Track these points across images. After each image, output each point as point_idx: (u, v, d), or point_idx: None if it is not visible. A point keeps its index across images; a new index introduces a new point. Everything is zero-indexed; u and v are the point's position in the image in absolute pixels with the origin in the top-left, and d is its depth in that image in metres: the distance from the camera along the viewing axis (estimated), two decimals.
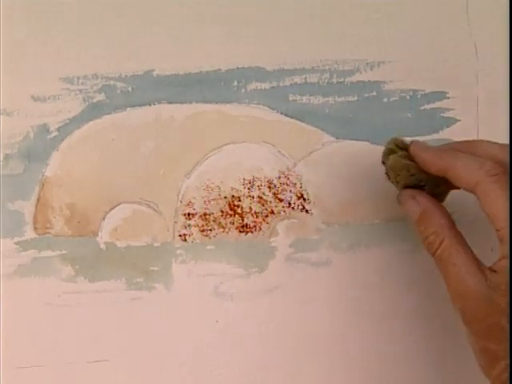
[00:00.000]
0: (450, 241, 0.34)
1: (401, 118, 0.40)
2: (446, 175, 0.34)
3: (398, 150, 0.37)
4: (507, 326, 0.31)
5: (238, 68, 0.39)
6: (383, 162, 0.37)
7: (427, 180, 0.36)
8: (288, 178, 0.39)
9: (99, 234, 0.38)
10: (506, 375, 0.31)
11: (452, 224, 0.35)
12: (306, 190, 0.39)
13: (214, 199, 0.39)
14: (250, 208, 0.39)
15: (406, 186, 0.36)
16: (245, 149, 0.39)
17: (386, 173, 0.37)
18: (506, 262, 0.31)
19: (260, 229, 0.39)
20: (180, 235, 0.39)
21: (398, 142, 0.37)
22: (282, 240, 0.39)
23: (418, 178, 0.36)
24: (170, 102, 0.39)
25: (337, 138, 0.40)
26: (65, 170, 0.38)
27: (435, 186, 0.36)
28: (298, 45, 0.40)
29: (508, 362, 0.31)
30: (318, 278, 0.40)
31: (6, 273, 0.38)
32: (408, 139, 0.37)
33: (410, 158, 0.36)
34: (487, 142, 0.36)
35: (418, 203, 0.36)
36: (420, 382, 0.41)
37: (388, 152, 0.37)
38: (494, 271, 0.32)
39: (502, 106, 0.41)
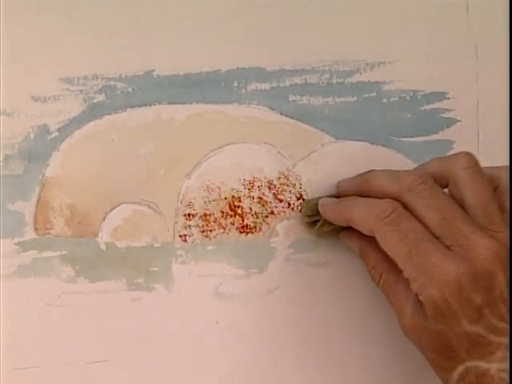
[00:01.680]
0: (387, 273, 0.35)
1: (400, 119, 0.40)
2: (351, 226, 0.35)
3: (314, 218, 0.38)
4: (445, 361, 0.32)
5: (238, 68, 0.39)
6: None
7: None
8: (288, 179, 0.39)
9: (99, 234, 0.38)
10: None
11: (389, 257, 0.35)
12: (305, 191, 0.40)
13: (214, 200, 0.39)
14: (250, 208, 0.39)
15: None
16: (245, 149, 0.39)
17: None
18: (422, 299, 0.32)
19: (260, 229, 0.39)
20: (180, 236, 0.39)
21: (310, 210, 0.38)
22: (282, 240, 0.39)
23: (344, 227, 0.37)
24: (170, 103, 0.39)
25: (336, 139, 0.40)
26: (65, 171, 0.38)
27: None
28: (298, 45, 0.40)
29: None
30: (318, 278, 0.40)
31: (6, 273, 0.38)
32: (315, 198, 0.38)
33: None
34: (377, 173, 0.36)
35: (354, 242, 0.37)
36: (420, 381, 0.41)
37: (308, 226, 0.39)
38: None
39: (501, 106, 0.41)
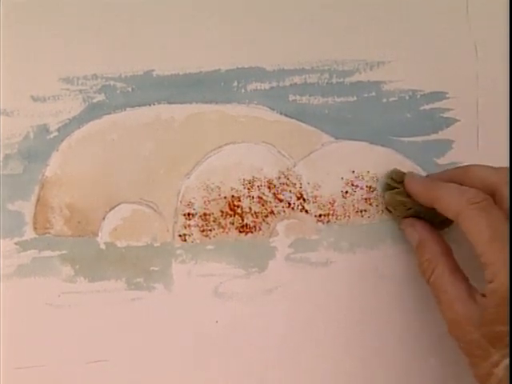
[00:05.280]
0: (442, 268, 0.35)
1: (400, 119, 0.40)
2: (434, 206, 0.36)
3: (395, 184, 0.39)
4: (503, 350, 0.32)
5: (237, 68, 0.39)
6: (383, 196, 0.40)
7: (424, 212, 0.38)
8: (288, 178, 0.39)
9: (99, 234, 0.38)
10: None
11: (447, 252, 0.36)
12: (305, 191, 0.40)
13: (213, 199, 0.39)
14: (250, 208, 0.39)
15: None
16: (245, 149, 0.39)
17: (386, 208, 0.40)
18: (493, 286, 0.32)
19: (260, 229, 0.39)
20: (180, 235, 0.39)
21: (395, 176, 0.39)
22: (282, 240, 0.39)
23: (416, 210, 0.38)
24: (169, 102, 0.39)
25: (336, 139, 0.40)
26: (65, 171, 0.38)
27: (433, 217, 0.37)
28: (298, 45, 0.40)
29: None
30: (318, 278, 0.40)
31: (6, 273, 0.38)
32: (405, 170, 0.39)
33: (406, 193, 0.38)
34: (480, 166, 0.37)
35: (416, 231, 0.38)
36: (419, 380, 0.41)
37: (384, 188, 0.39)
38: (484, 295, 0.33)
39: (501, 106, 0.41)
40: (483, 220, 0.33)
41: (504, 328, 0.31)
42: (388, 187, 0.39)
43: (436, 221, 0.38)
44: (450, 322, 0.34)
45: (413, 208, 0.38)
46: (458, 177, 0.37)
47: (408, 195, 0.38)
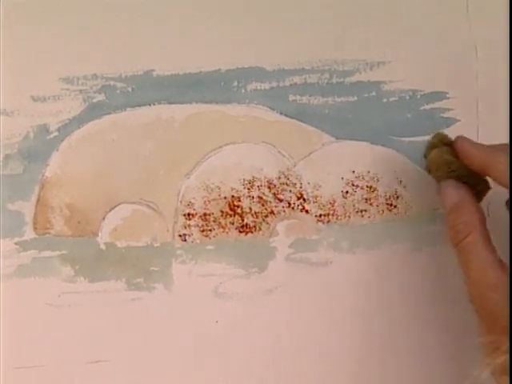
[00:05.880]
0: (477, 234, 0.34)
1: (400, 119, 0.40)
2: (486, 171, 0.35)
3: (441, 145, 0.37)
4: None
5: (237, 68, 0.39)
6: (425, 156, 0.38)
7: (467, 177, 0.36)
8: (288, 178, 0.39)
9: (99, 234, 0.38)
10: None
11: (483, 220, 0.35)
12: (306, 190, 0.40)
13: (213, 199, 0.39)
14: (250, 208, 0.39)
15: None
16: (244, 149, 0.39)
17: (427, 167, 0.38)
18: None
19: (260, 229, 0.39)
20: (180, 235, 0.39)
21: (442, 137, 0.37)
22: (282, 240, 0.39)
23: (459, 174, 0.36)
24: (169, 103, 0.39)
25: (336, 138, 0.40)
26: (65, 171, 0.38)
27: (475, 185, 0.36)
28: (298, 45, 0.40)
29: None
30: (318, 278, 0.40)
31: (6, 273, 0.38)
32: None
33: (453, 155, 0.36)
34: None
35: (458, 192, 0.36)
36: (420, 380, 0.41)
37: (430, 146, 0.38)
38: None
39: (501, 106, 0.41)
40: None
41: None
42: (433, 146, 0.38)
43: (474, 190, 0.37)
44: (479, 287, 0.33)
45: (456, 171, 0.36)
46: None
47: (455, 156, 0.37)
